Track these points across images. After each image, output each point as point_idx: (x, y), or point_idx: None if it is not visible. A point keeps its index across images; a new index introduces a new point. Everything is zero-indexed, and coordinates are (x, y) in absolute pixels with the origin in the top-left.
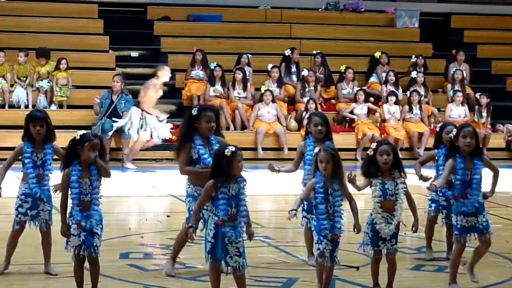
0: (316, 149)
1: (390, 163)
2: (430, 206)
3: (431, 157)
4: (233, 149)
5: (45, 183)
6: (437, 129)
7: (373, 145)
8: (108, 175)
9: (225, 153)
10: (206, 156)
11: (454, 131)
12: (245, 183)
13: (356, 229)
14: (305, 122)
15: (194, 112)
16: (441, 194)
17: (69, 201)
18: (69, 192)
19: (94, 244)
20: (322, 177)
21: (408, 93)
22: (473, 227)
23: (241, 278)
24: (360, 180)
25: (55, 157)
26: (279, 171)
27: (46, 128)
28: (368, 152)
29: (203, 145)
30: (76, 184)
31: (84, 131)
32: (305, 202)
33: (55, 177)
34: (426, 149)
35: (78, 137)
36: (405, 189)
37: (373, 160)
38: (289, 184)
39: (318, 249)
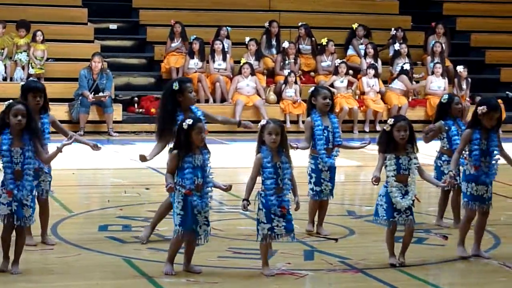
0: (263, 121)
1: (407, 138)
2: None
3: (438, 130)
4: (190, 122)
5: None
6: (444, 100)
7: (390, 121)
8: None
9: (183, 126)
10: None
11: (484, 108)
12: (209, 154)
13: (296, 205)
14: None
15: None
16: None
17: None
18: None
19: (24, 215)
20: (269, 151)
21: (399, 65)
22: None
23: (194, 246)
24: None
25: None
26: (296, 147)
27: (44, 99)
28: (385, 127)
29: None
30: (6, 153)
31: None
32: (313, 175)
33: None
34: None
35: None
36: (418, 165)
37: (390, 136)
38: None
39: (264, 228)
